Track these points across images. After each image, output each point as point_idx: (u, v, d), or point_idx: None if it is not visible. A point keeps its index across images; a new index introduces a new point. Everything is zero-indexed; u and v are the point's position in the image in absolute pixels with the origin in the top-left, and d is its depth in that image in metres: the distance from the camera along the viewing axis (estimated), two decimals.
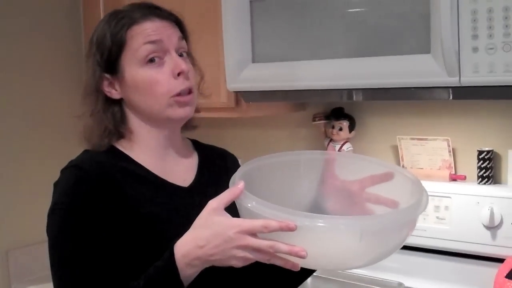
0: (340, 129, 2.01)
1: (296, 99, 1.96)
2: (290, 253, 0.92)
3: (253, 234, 0.94)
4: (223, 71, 1.81)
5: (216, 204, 0.98)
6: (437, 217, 1.77)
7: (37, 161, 2.27)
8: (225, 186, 1.01)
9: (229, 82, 1.80)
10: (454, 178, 1.84)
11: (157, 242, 1.07)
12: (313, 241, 0.93)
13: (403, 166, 1.92)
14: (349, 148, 2.01)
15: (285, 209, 0.91)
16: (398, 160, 1.94)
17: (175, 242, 1.00)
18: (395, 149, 1.95)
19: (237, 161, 1.33)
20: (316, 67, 1.64)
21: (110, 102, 1.16)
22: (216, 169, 1.25)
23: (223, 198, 0.98)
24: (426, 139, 1.88)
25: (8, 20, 2.21)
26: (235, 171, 1.06)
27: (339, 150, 2.00)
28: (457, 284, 1.72)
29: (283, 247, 0.92)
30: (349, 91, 1.66)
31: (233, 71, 1.78)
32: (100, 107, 1.16)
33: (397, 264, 1.70)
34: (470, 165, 1.81)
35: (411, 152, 1.91)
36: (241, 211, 0.99)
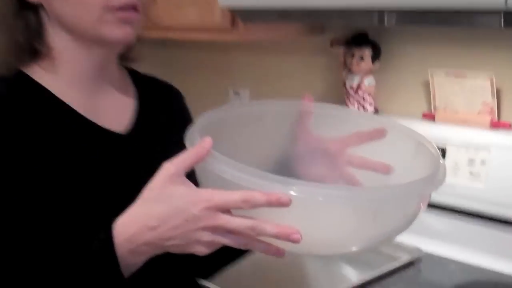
0: (362, 59, 1.69)
1: (308, 20, 1.64)
2: (278, 237, 0.68)
3: (226, 210, 0.69)
4: None
5: (174, 168, 0.71)
6: (471, 173, 1.50)
7: None
8: (172, 133, 0.77)
9: None
10: (496, 125, 1.54)
11: (85, 214, 0.81)
12: (308, 220, 0.70)
13: (434, 108, 1.62)
14: (371, 83, 1.70)
15: (274, 177, 0.68)
16: (429, 100, 1.64)
17: (113, 219, 0.74)
18: (427, 86, 1.64)
19: (184, 100, 1.06)
20: None
21: (25, 7, 0.88)
22: (161, 109, 0.99)
23: (184, 160, 0.71)
24: (464, 76, 1.56)
25: None
26: (182, 113, 0.84)
27: (358, 86, 1.69)
28: (488, 254, 1.46)
29: (269, 228, 0.68)
30: (380, 13, 1.35)
31: None
32: (9, 10, 0.88)
33: (418, 225, 1.44)
34: None
35: (446, 90, 1.60)
36: (206, 178, 0.74)
